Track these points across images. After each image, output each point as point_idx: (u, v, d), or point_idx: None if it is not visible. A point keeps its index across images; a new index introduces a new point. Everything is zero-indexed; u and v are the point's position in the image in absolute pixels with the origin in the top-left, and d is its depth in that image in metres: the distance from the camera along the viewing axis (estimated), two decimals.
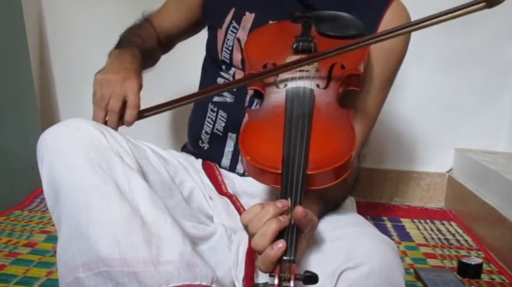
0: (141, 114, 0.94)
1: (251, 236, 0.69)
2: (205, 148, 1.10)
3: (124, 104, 0.93)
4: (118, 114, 0.92)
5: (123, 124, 0.94)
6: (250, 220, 0.70)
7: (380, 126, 1.68)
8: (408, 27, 0.87)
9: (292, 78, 0.91)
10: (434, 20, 0.82)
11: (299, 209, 0.68)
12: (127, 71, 0.97)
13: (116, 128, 0.93)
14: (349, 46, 0.87)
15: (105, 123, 0.93)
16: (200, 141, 1.11)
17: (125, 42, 1.10)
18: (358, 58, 0.94)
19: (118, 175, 0.79)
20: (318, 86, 0.91)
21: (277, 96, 0.90)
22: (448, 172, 1.83)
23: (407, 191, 1.83)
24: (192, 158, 1.11)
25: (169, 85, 1.59)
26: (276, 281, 0.64)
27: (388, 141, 1.80)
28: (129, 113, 0.93)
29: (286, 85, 0.91)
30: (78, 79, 1.84)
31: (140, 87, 0.95)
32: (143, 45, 1.10)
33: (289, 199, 0.71)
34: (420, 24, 0.83)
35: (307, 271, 0.65)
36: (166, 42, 1.25)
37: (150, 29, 1.21)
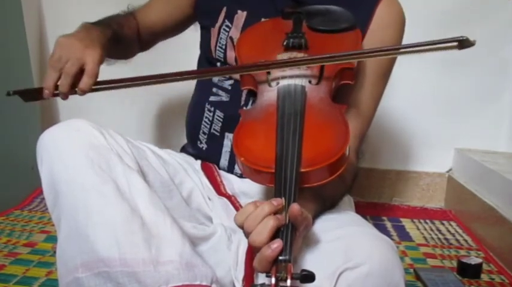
0: (97, 85, 0.91)
1: (247, 235, 0.69)
2: (204, 149, 1.10)
3: (81, 71, 0.90)
4: (72, 79, 0.89)
5: (75, 93, 0.91)
6: (246, 220, 0.69)
7: (379, 125, 1.69)
8: (387, 50, 0.91)
9: (284, 76, 0.91)
10: (403, 50, 0.89)
11: (295, 206, 0.68)
12: (92, 41, 0.95)
13: (66, 94, 0.90)
14: (341, 56, 0.88)
15: (56, 87, 0.90)
16: (198, 142, 1.11)
17: (101, 22, 1.08)
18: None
19: (118, 175, 0.79)
20: (310, 82, 0.91)
21: (269, 95, 0.91)
22: (447, 172, 1.83)
23: (406, 191, 1.82)
24: (191, 159, 1.11)
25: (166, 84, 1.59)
26: (273, 281, 0.64)
27: (388, 141, 1.80)
28: (85, 81, 0.89)
29: (278, 83, 0.91)
30: None
31: (102, 59, 0.93)
32: (119, 31, 1.09)
33: (283, 198, 0.71)
34: (393, 51, 0.90)
35: (303, 270, 0.65)
36: (148, 39, 1.23)
37: (132, 21, 1.20)
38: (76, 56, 0.90)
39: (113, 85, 0.94)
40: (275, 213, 0.69)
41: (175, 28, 1.24)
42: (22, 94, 0.94)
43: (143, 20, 1.21)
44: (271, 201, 0.70)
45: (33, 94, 0.94)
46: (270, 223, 0.67)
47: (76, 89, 0.90)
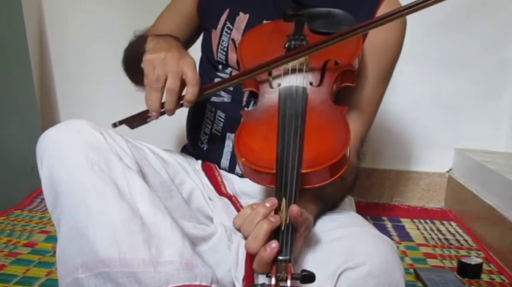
0: (201, 92, 0.89)
1: (245, 239, 0.70)
2: (205, 149, 1.10)
3: (182, 83, 0.87)
4: (178, 94, 0.86)
5: (181, 106, 0.89)
6: (242, 223, 0.70)
7: (380, 126, 1.69)
8: (402, 10, 0.83)
9: (286, 78, 0.91)
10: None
11: (294, 208, 0.68)
12: (178, 48, 0.91)
13: (174, 110, 0.87)
14: (341, 35, 0.85)
15: (162, 105, 0.87)
16: (199, 142, 1.11)
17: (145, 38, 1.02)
18: (352, 53, 0.94)
19: (117, 175, 0.79)
20: (311, 84, 0.91)
21: (271, 96, 0.91)
22: (448, 172, 1.83)
23: (407, 191, 1.83)
24: (191, 159, 1.11)
25: None
26: (273, 281, 0.64)
27: (388, 141, 1.81)
28: (190, 91, 0.86)
29: (280, 85, 0.91)
30: (78, 79, 1.86)
31: (195, 64, 0.89)
32: None
33: (283, 199, 0.71)
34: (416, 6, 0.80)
35: (304, 270, 0.65)
36: None
37: None
38: (174, 70, 0.85)
39: (214, 89, 0.92)
40: (275, 212, 0.69)
41: (190, 40, 1.20)
42: (128, 122, 0.91)
43: None
44: (264, 203, 0.71)
45: (138, 119, 0.91)
46: (264, 228, 0.68)
47: (181, 101, 0.88)
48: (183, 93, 0.88)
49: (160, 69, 0.85)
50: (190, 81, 0.86)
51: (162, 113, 0.88)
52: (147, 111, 0.88)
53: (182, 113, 1.22)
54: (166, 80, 0.85)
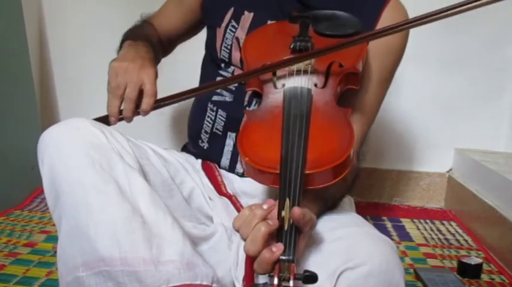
0: (158, 103, 0.94)
1: (243, 241, 0.70)
2: (205, 147, 1.10)
3: (140, 92, 0.92)
4: (135, 103, 0.92)
5: (138, 114, 0.94)
6: (241, 226, 0.71)
7: (380, 125, 1.69)
8: (407, 23, 0.86)
9: (290, 79, 0.91)
10: (436, 16, 0.82)
11: (296, 211, 0.68)
12: (143, 59, 0.97)
13: (131, 118, 0.93)
14: (345, 44, 0.87)
15: (120, 112, 0.93)
16: (200, 141, 1.11)
17: (132, 37, 1.09)
18: (357, 56, 0.95)
19: (118, 174, 0.79)
20: (315, 85, 0.91)
21: (275, 97, 0.91)
22: (448, 171, 1.83)
23: (407, 191, 1.83)
24: (192, 158, 1.11)
25: (169, 84, 1.58)
26: (276, 281, 0.64)
27: (388, 141, 1.81)
28: (146, 102, 0.92)
29: (284, 85, 0.91)
30: (78, 79, 1.85)
31: (156, 76, 0.95)
32: (153, 43, 1.10)
33: (286, 199, 0.71)
34: (418, 21, 0.83)
35: (306, 271, 0.65)
36: (167, 45, 1.25)
37: (153, 29, 1.21)
38: (133, 80, 0.91)
39: (171, 101, 0.96)
40: (279, 211, 0.69)
41: (189, 32, 1.25)
42: None
43: (159, 27, 1.22)
44: (262, 205, 0.71)
45: (100, 122, 0.95)
46: (262, 231, 0.68)
47: (138, 110, 0.93)
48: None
49: (121, 78, 0.92)
50: (147, 92, 0.92)
51: (120, 119, 0.94)
52: (107, 116, 0.93)
53: (183, 112, 1.22)
54: (126, 88, 0.91)
